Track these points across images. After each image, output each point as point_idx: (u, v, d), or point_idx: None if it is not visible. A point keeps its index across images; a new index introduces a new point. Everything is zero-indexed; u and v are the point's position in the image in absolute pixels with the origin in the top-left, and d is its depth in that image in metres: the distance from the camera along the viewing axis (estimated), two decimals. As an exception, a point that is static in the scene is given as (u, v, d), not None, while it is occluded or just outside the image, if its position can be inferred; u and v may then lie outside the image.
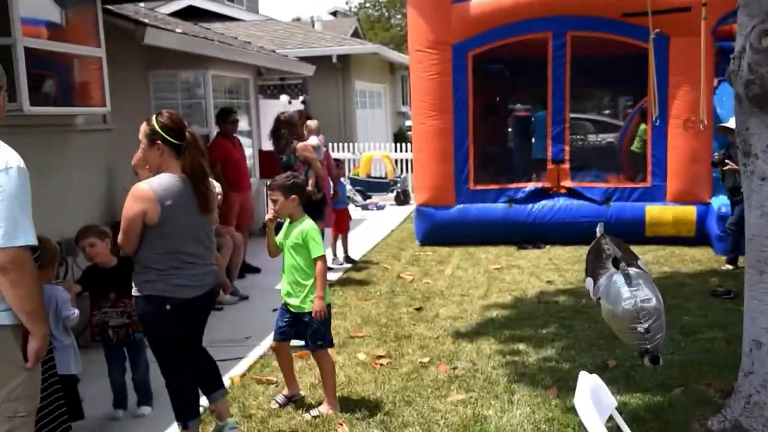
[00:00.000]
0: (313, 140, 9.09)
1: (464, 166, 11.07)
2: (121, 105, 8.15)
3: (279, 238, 5.01)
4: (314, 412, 4.95)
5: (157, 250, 4.05)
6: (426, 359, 5.98)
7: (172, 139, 4.09)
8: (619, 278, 4.23)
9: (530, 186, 11.12)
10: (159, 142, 4.08)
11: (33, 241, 2.96)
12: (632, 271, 4.28)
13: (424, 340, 6.53)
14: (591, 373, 5.09)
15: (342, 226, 10.05)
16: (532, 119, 13.33)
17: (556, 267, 9.46)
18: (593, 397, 2.88)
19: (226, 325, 7.29)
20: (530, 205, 10.99)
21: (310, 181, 8.75)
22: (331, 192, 9.62)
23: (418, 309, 7.57)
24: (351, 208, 16.08)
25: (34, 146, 6.77)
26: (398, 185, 16.41)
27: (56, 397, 4.12)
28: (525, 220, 10.96)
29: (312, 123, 9.37)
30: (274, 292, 8.54)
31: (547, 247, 10.70)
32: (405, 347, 6.34)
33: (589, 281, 4.60)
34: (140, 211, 3.98)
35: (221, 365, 5.76)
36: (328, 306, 4.93)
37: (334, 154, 17.62)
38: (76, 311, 4.58)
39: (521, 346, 6.25)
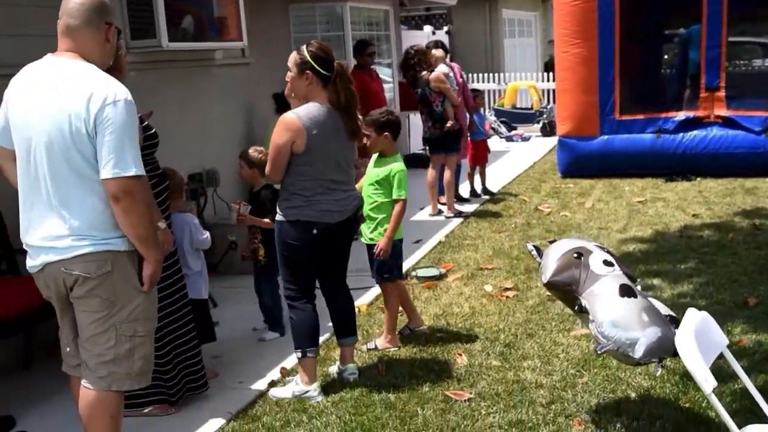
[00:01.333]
0: (443, 68, 8.91)
1: (610, 95, 10.60)
2: (260, 39, 8.29)
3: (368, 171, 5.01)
4: (370, 345, 4.98)
5: (303, 177, 4.15)
6: (554, 293, 5.85)
7: (321, 69, 4.14)
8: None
9: (681, 115, 10.52)
10: (308, 71, 4.14)
11: (141, 171, 3.07)
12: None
13: None
14: (728, 310, 4.81)
15: (479, 157, 9.91)
16: (687, 34, 12.47)
17: (705, 200, 8.97)
18: (699, 335, 2.71)
19: (360, 255, 7.37)
20: (680, 136, 10.41)
21: (448, 112, 8.64)
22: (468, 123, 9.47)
23: (552, 242, 7.35)
24: (495, 139, 15.93)
25: (174, 81, 7.03)
26: (545, 116, 15.95)
27: (188, 320, 4.32)
28: (674, 152, 10.41)
29: (437, 52, 9.15)
30: (411, 224, 8.65)
31: (698, 179, 10.15)
32: (533, 280, 6.23)
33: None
34: (288, 140, 4.08)
35: (353, 293, 5.97)
36: (399, 241, 4.92)
37: (476, 85, 17.38)
38: (208, 234, 4.75)
39: (656, 281, 6.00)
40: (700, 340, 2.79)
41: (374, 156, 4.98)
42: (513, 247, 7.29)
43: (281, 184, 4.24)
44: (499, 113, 16.38)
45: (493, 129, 16.07)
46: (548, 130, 15.68)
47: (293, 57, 4.20)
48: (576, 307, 3.53)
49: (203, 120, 7.46)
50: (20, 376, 4.87)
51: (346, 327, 4.56)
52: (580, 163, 10.77)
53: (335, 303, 4.53)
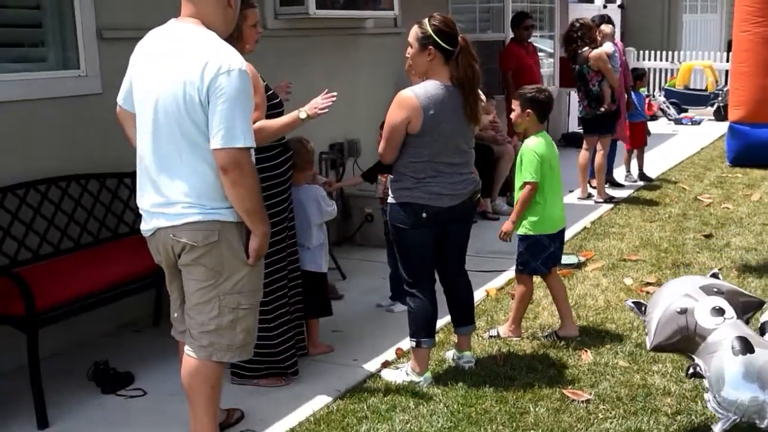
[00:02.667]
0: (608, 47, 8.46)
1: (792, 79, 9.80)
2: (413, 8, 8.17)
3: None
4: (492, 332, 4.80)
5: (415, 159, 4.01)
6: (700, 292, 5.45)
7: (444, 44, 3.97)
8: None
9: None
10: (431, 47, 3.98)
11: (251, 143, 3.03)
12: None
13: (704, 271, 5.94)
14: None
15: (638, 140, 9.41)
16: None
17: None
18: None
19: (493, 235, 7.18)
20: None
21: (605, 92, 8.24)
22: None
23: (708, 236, 6.93)
24: (662, 121, 15.15)
25: (322, 49, 7.04)
26: (719, 98, 14.95)
27: (296, 292, 4.33)
28: None
29: (606, 28, 8.70)
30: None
31: None
32: (680, 275, 5.75)
33: None
34: (404, 119, 3.95)
35: (482, 276, 5.86)
36: (544, 237, 4.61)
37: (646, 63, 16.51)
38: (334, 205, 4.73)
39: (820, 289, 5.46)
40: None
41: None
42: (663, 239, 6.88)
43: (394, 165, 4.11)
44: (669, 94, 15.51)
45: (661, 110, 15.28)
46: (722, 114, 14.70)
47: (414, 31, 4.03)
48: (689, 371, 3.24)
49: (350, 89, 7.45)
50: (149, 333, 5.06)
51: (465, 316, 4.42)
52: (751, 152, 10.06)
53: (453, 293, 4.39)
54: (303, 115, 3.88)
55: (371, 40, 7.73)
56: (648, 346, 3.34)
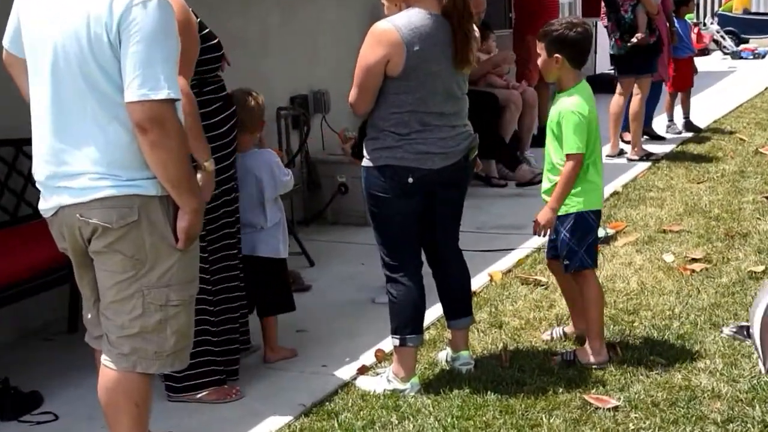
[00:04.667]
0: (645, -39, 8.47)
1: None
2: None
3: None
4: (549, 334, 4.74)
5: (397, 109, 4.01)
6: (760, 268, 5.57)
7: None
8: None
9: None
10: None
11: (176, 93, 3.01)
12: None
13: (766, 241, 6.06)
14: None
15: (683, 81, 9.50)
16: None
17: None
18: None
19: (505, 208, 7.25)
20: None
21: (640, 20, 8.25)
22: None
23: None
24: (716, 56, 15.20)
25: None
26: (789, 24, 15.01)
27: (237, 284, 4.35)
28: None
29: (645, -62, 8.70)
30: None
31: None
32: (734, 249, 5.93)
33: None
34: (382, 57, 3.94)
35: (484, 257, 5.88)
36: (590, 215, 4.42)
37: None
38: (291, 174, 4.72)
39: None
40: None
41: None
42: (714, 204, 6.96)
43: (369, 119, 4.10)
44: (724, 20, 15.59)
45: (714, 42, 15.36)
46: (793, 44, 14.77)
47: None
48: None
49: (313, 27, 7.42)
50: (63, 342, 5.05)
51: (460, 306, 4.43)
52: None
53: (445, 277, 4.40)
54: (210, 167, 3.74)
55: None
56: (764, 371, 3.41)
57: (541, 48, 4.42)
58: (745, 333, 3.51)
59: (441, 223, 4.31)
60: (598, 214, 4.52)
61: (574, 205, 4.42)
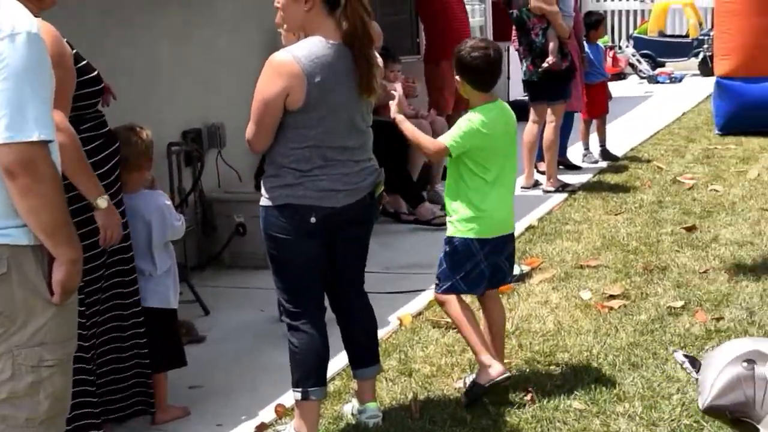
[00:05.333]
0: (556, -16, 8.64)
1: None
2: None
3: None
4: (458, 383, 4.78)
5: (298, 144, 4.01)
6: (679, 303, 5.66)
7: None
8: None
9: None
10: None
11: (49, 134, 2.95)
12: None
13: (685, 275, 6.17)
14: None
15: (597, 107, 9.68)
16: None
17: None
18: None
19: (414, 245, 7.27)
20: None
21: (551, 45, 8.39)
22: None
23: (690, 228, 7.15)
24: (632, 80, 15.57)
25: (166, 3, 6.96)
26: (705, 46, 15.41)
27: (136, 342, 4.28)
28: None
29: (554, -42, 8.89)
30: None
31: None
32: (653, 284, 6.04)
33: None
34: (281, 90, 3.94)
35: (393, 299, 5.89)
36: (467, 242, 4.56)
37: (608, 4, 16.94)
38: (183, 219, 4.69)
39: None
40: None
41: None
42: (632, 236, 7.07)
43: (267, 155, 4.10)
44: (640, 43, 15.98)
45: (630, 66, 15.72)
46: (709, 67, 15.17)
47: None
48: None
49: (207, 57, 7.39)
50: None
51: (366, 354, 4.43)
52: (747, 115, 10.47)
53: (349, 323, 4.40)
54: (103, 204, 3.77)
55: (232, -11, 7.69)
56: (701, 406, 3.58)
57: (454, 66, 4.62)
58: (694, 368, 3.68)
59: (345, 266, 4.31)
60: (484, 242, 4.59)
61: (460, 229, 4.59)
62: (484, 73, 4.57)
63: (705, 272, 6.18)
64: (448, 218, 4.67)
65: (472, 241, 4.58)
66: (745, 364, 3.54)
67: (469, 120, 4.53)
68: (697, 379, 3.69)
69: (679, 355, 4.02)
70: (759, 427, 3.44)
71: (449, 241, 4.64)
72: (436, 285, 4.72)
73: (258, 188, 4.53)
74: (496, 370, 4.44)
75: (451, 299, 4.66)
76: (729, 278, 6.05)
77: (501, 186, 4.63)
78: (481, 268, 4.62)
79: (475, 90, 4.58)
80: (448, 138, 4.55)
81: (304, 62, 3.94)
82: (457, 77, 4.59)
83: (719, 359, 3.65)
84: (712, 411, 3.60)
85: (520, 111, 10.35)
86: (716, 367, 3.60)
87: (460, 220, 4.59)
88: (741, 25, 10.40)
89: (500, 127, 4.60)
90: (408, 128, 4.60)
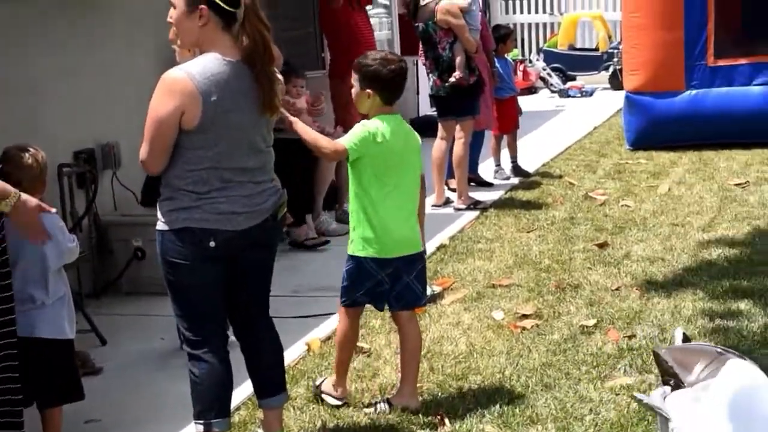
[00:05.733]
0: (463, -1, 8.74)
1: (700, 31, 10.58)
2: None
3: None
4: (318, 381, 4.94)
5: (194, 166, 3.99)
6: (591, 322, 5.76)
7: (221, 3, 3.98)
8: None
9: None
10: (202, 6, 3.98)
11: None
12: None
13: (597, 293, 6.27)
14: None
15: (508, 123, 9.80)
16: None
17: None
18: (742, 400, 2.55)
19: (323, 267, 7.28)
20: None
21: (458, 59, 8.49)
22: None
23: (602, 245, 7.29)
24: (544, 94, 15.83)
25: (53, 17, 6.87)
26: (615, 60, 15.75)
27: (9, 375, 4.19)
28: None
29: (462, -28, 9.00)
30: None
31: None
32: (566, 303, 6.12)
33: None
34: (174, 109, 3.90)
35: (301, 323, 5.89)
36: (363, 262, 4.66)
37: (517, 18, 17.22)
38: (76, 240, 4.63)
39: (744, 306, 5.88)
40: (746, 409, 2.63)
41: None
42: (544, 254, 7.17)
43: (163, 177, 4.07)
44: (550, 57, 16.24)
45: (541, 80, 15.98)
46: (620, 81, 15.50)
47: None
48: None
49: (99, 72, 7.31)
50: None
51: (272, 382, 4.42)
52: (656, 130, 10.72)
53: (254, 350, 4.38)
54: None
55: (124, 1, 7.62)
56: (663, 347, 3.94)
57: (355, 79, 4.67)
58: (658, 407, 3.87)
59: (248, 291, 4.30)
60: (383, 262, 4.67)
61: (359, 248, 4.68)
62: (399, 87, 4.72)
63: (617, 289, 6.30)
64: (351, 233, 4.74)
65: (369, 261, 4.68)
66: (719, 349, 3.80)
67: (365, 125, 4.64)
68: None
69: (679, 332, 4.20)
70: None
71: (349, 258, 4.74)
72: (341, 299, 4.84)
73: (145, 204, 4.54)
74: (338, 392, 4.79)
75: (345, 316, 4.82)
76: (641, 295, 6.18)
77: (401, 203, 4.72)
78: (384, 287, 4.72)
79: (383, 103, 4.67)
80: (346, 140, 4.62)
81: (198, 80, 3.92)
82: (367, 90, 4.63)
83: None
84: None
85: (431, 127, 10.52)
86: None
87: (359, 239, 4.69)
88: (649, 40, 10.66)
89: (399, 139, 4.70)
90: (304, 130, 4.63)
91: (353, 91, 4.73)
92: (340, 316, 4.88)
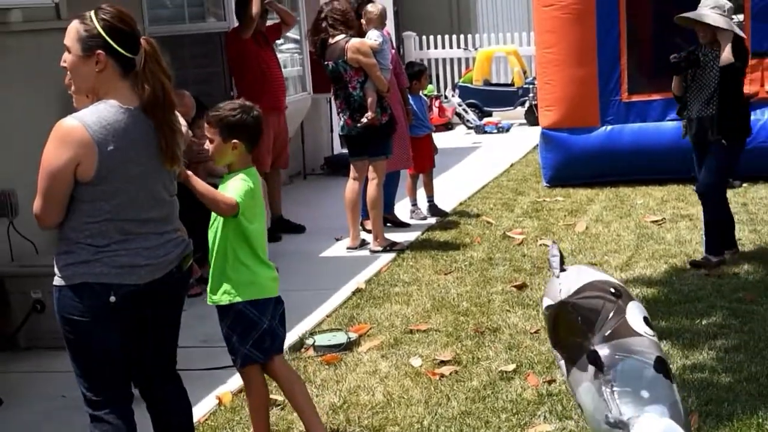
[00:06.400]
0: (374, 35, 8.75)
1: (614, 66, 10.72)
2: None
3: None
4: None
5: (92, 219, 3.91)
6: (511, 367, 5.76)
7: (119, 48, 3.91)
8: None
9: (717, 94, 10.54)
10: (99, 51, 3.90)
11: None
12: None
13: (516, 336, 6.28)
14: (765, 390, 4.76)
15: (424, 161, 9.79)
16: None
17: (750, 217, 9.00)
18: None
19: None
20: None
21: (369, 99, 8.48)
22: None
23: (520, 287, 7.30)
24: (460, 130, 15.92)
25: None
26: (531, 95, 15.93)
27: None
28: (709, 146, 10.43)
29: (373, 9, 9.01)
30: (320, 261, 8.49)
31: (744, 185, 10.17)
32: (485, 347, 6.12)
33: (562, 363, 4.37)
34: (68, 160, 3.81)
35: (212, 375, 5.78)
36: (243, 308, 4.65)
37: (432, 53, 17.30)
38: None
39: (663, 345, 5.86)
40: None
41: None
42: (462, 296, 7.17)
43: (60, 231, 3.97)
44: (466, 92, 16.35)
45: (458, 116, 16.08)
46: (536, 116, 15.67)
47: (74, 29, 3.92)
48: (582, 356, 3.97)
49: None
50: None
51: None
52: (573, 166, 10.82)
53: (160, 410, 4.30)
54: None
55: (23, 41, 7.54)
56: (556, 299, 4.28)
57: (212, 132, 4.65)
58: (555, 262, 4.13)
59: (153, 348, 4.21)
60: (263, 303, 4.68)
61: (233, 292, 4.64)
62: (260, 132, 4.81)
63: (536, 332, 6.29)
64: (219, 290, 4.66)
65: (247, 307, 4.65)
66: (613, 290, 4.11)
67: (244, 179, 4.64)
68: (555, 276, 4.27)
69: (555, 249, 4.36)
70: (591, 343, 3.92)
71: (227, 312, 4.68)
72: (234, 362, 4.78)
73: None
74: None
75: (252, 376, 4.79)
76: (562, 337, 6.19)
77: (263, 247, 4.77)
78: (265, 326, 4.71)
79: (247, 152, 4.71)
80: (235, 194, 4.58)
81: (94, 128, 3.83)
82: (233, 141, 4.59)
83: (589, 274, 4.27)
84: (562, 307, 4.05)
85: (345, 165, 10.52)
86: (583, 276, 4.21)
87: (237, 286, 4.64)
88: (563, 76, 10.77)
89: (260, 188, 4.78)
90: (199, 184, 4.56)
91: (212, 146, 4.65)
92: (246, 380, 4.83)
